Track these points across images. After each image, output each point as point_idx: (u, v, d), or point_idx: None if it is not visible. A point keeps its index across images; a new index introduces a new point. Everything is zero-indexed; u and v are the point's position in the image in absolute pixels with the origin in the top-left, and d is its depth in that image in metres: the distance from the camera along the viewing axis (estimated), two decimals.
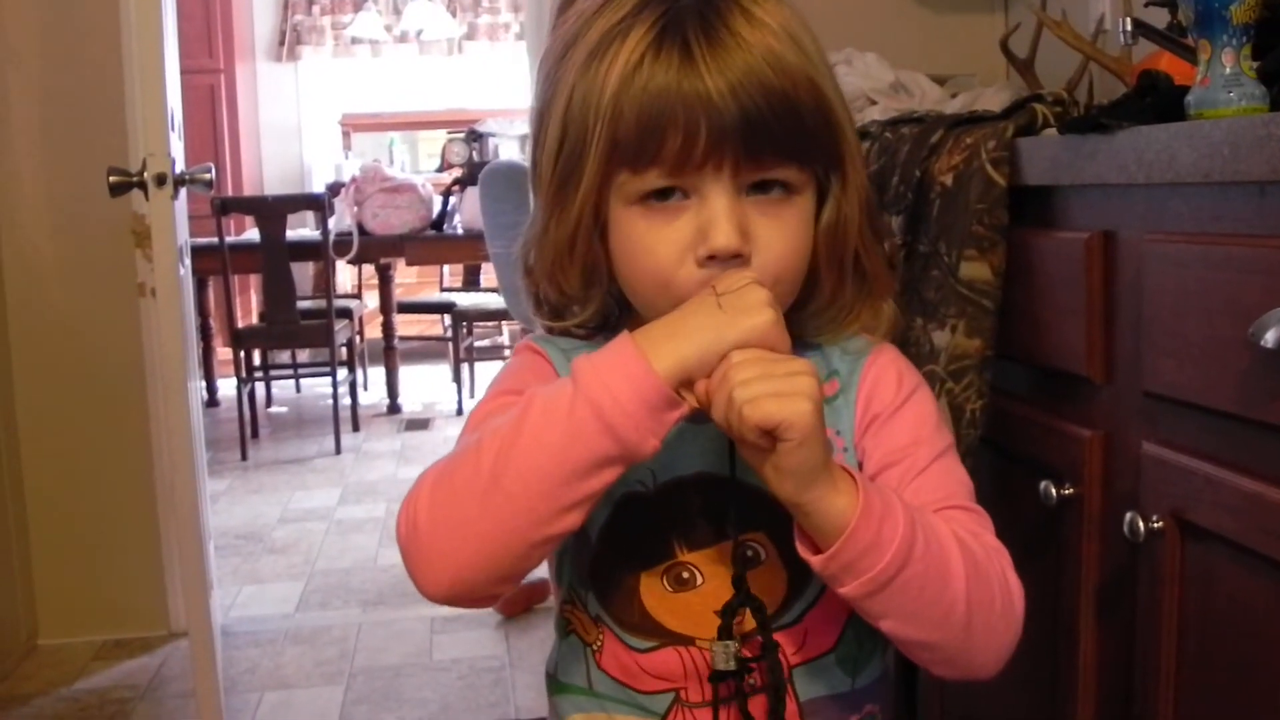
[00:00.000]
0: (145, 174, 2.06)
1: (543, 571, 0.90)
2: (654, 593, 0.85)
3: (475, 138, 5.34)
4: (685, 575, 0.85)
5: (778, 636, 0.82)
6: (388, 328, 5.24)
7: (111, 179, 2.08)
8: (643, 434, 0.71)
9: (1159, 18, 1.35)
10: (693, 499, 0.85)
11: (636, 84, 0.76)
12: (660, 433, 0.72)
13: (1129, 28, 1.27)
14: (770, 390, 0.71)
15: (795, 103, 0.77)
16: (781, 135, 0.77)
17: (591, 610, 0.87)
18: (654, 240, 0.79)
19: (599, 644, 0.87)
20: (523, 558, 0.74)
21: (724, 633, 0.80)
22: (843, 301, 0.86)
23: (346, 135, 7.00)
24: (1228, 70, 1.00)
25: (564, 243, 0.82)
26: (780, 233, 0.79)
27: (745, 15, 0.78)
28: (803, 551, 0.75)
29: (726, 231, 0.77)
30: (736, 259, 0.78)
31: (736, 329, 0.73)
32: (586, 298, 0.86)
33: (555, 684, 0.92)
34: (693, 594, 0.84)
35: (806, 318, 0.85)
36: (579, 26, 0.81)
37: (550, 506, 0.72)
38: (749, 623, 0.81)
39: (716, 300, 0.74)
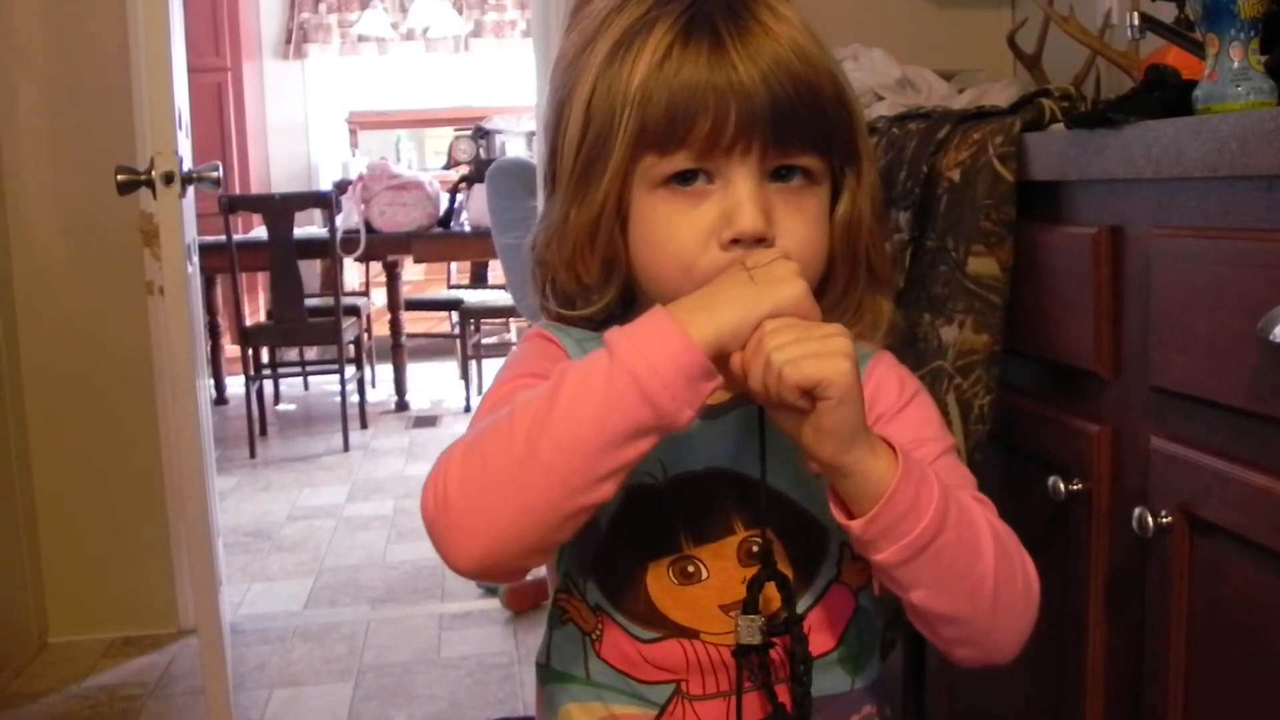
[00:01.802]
0: (153, 172, 2.06)
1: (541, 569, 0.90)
2: (660, 584, 0.85)
3: (482, 135, 5.36)
4: (691, 569, 0.85)
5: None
6: (395, 325, 5.25)
7: (119, 177, 2.08)
8: (679, 404, 0.71)
9: (1166, 12, 1.34)
10: (702, 493, 0.85)
11: (666, 72, 0.78)
12: (695, 404, 0.73)
13: (1136, 22, 1.26)
14: (809, 351, 0.71)
15: (819, 92, 0.80)
16: (808, 123, 0.79)
17: (591, 599, 0.87)
18: (678, 224, 0.80)
19: (598, 633, 0.87)
20: (555, 529, 0.73)
21: (749, 606, 0.81)
22: (852, 298, 0.88)
23: (353, 133, 7.02)
24: (1236, 64, 1.00)
25: (585, 230, 0.83)
26: (802, 220, 0.81)
27: (770, 10, 0.80)
28: (839, 517, 0.76)
29: (752, 214, 0.78)
30: (760, 243, 0.79)
31: (769, 300, 0.74)
32: (603, 289, 0.87)
33: (549, 673, 0.92)
34: (698, 588, 0.85)
35: None
36: (598, 23, 0.83)
37: (585, 477, 0.72)
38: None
39: (748, 274, 0.75)
